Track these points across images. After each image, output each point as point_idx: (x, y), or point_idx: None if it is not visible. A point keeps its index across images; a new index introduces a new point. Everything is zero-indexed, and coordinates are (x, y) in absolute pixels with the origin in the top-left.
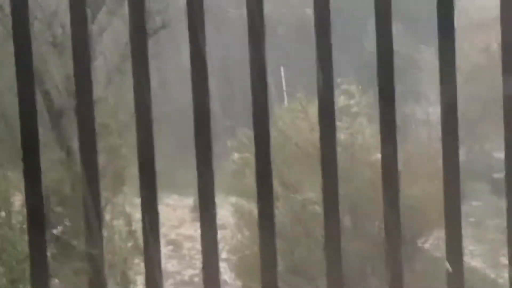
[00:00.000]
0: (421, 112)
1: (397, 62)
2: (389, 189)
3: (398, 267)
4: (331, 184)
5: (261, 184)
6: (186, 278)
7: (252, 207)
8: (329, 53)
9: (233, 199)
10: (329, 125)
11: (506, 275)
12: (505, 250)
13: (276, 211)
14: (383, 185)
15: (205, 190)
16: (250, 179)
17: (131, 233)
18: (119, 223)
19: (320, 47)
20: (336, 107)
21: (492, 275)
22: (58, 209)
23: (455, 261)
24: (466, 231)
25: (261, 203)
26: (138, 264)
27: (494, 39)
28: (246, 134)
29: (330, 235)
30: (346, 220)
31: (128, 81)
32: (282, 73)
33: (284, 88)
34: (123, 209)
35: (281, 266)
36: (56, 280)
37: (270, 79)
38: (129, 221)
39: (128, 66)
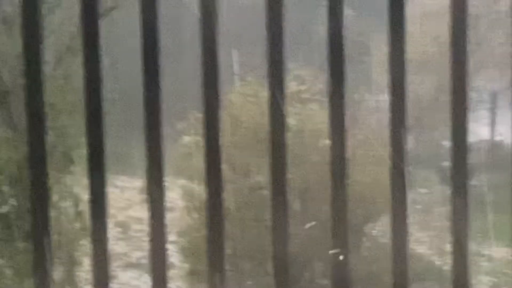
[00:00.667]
0: (372, 99)
1: (349, 48)
2: (337, 175)
3: (343, 252)
4: (279, 169)
5: (210, 167)
6: (134, 260)
7: (201, 190)
8: (281, 37)
9: (182, 181)
10: (278, 110)
11: (450, 262)
12: (450, 238)
13: (225, 195)
14: (331, 170)
15: (153, 172)
16: (200, 162)
17: (78, 214)
18: (67, 204)
19: (271, 31)
20: (287, 92)
21: (438, 262)
22: (5, 188)
23: (400, 248)
24: (413, 218)
25: (209, 186)
26: (85, 246)
27: (445, 28)
28: (197, 117)
29: (278, 219)
30: (295, 205)
31: (78, 61)
32: (235, 56)
33: (236, 71)
34: (71, 189)
35: (229, 249)
36: (1, 260)
37: (222, 62)
38: (76, 202)
39: (79, 45)
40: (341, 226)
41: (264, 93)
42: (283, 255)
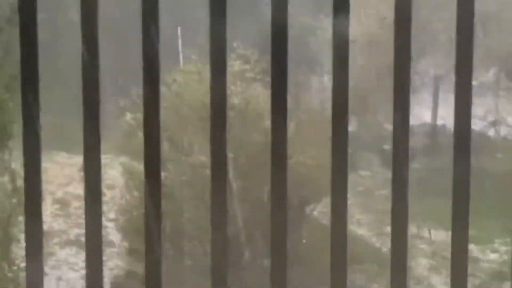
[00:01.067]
0: (316, 81)
1: (295, 29)
2: (277, 155)
3: (282, 233)
4: (219, 148)
5: (148, 145)
6: (72, 237)
7: (142, 168)
8: (223, 15)
9: (124, 159)
10: (220, 89)
11: (390, 244)
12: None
13: (167, 174)
14: (271, 151)
15: (91, 148)
16: (141, 140)
17: (16, 189)
18: (4, 179)
19: (214, 9)
20: (231, 71)
21: (377, 244)
22: None
23: (339, 229)
24: (355, 200)
25: (147, 164)
26: (23, 222)
27: (391, 10)
28: (139, 93)
29: (217, 198)
30: (236, 185)
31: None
32: (179, 34)
33: (180, 49)
34: (9, 165)
35: (168, 228)
36: None
37: (166, 39)
38: (14, 177)
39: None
40: (280, 207)
41: (208, 72)
42: (221, 236)
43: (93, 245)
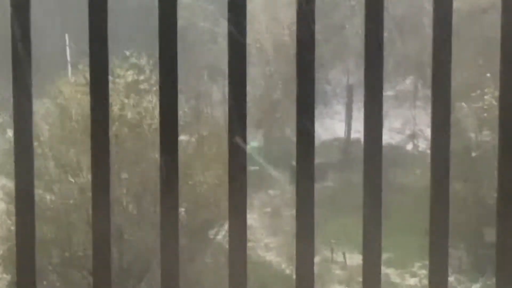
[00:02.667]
0: (219, 91)
1: (194, 34)
2: (168, 176)
3: (174, 260)
4: (101, 167)
5: (20, 165)
6: None
7: None
8: (104, 20)
9: (3, 181)
10: (101, 101)
11: None
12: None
13: (52, 197)
14: (160, 171)
15: None
16: None
17: None
18: None
19: (93, 14)
20: (123, 83)
21: (288, 271)
22: None
23: (239, 257)
24: (262, 222)
25: (18, 187)
26: None
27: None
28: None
29: (99, 223)
30: (130, 207)
31: None
32: (67, 42)
33: (69, 58)
34: None
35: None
36: None
37: (55, 47)
38: None
39: None
40: (172, 233)
41: None
42: (104, 266)
43: None
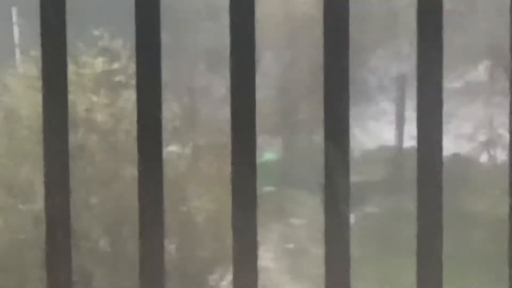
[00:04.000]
0: (221, 85)
1: (188, 8)
2: (152, 200)
3: None
4: (59, 190)
5: None
6: None
7: None
8: None
9: None
10: (58, 101)
11: None
12: None
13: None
14: (140, 193)
15: None
16: None
17: None
18: None
19: None
20: (90, 74)
21: None
22: None
23: None
24: (281, 263)
25: None
26: None
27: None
28: None
29: (56, 268)
30: (102, 243)
31: None
32: (14, 19)
33: (16, 40)
34: None
35: None
36: None
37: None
38: None
39: None
40: (157, 278)
41: None
42: None
43: None
